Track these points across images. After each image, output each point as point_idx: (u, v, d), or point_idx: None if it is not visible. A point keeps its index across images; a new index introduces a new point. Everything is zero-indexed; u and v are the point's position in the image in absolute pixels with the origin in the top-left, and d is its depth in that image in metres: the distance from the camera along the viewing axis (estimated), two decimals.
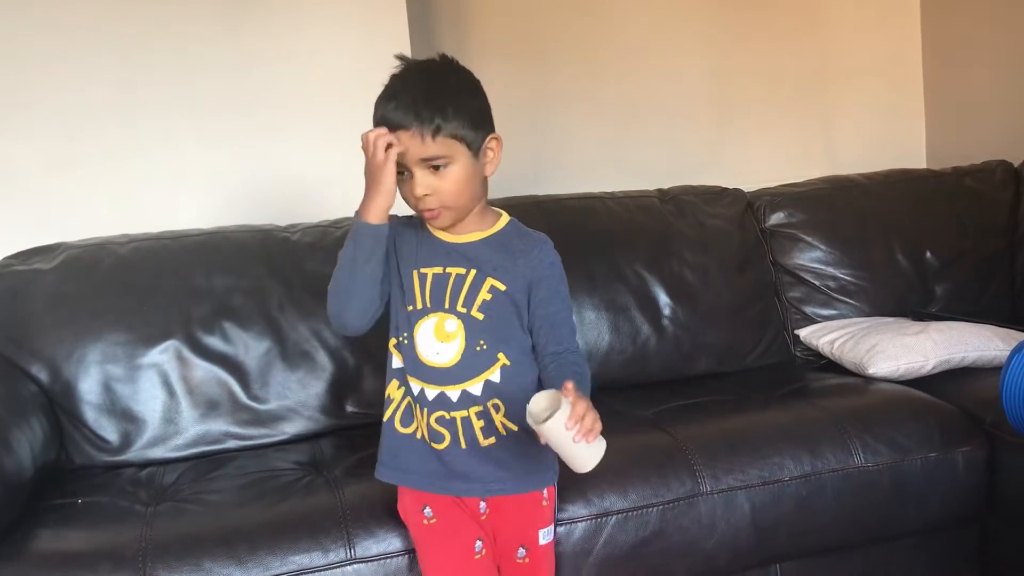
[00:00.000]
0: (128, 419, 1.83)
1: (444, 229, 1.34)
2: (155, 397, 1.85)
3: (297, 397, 1.91)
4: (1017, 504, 1.74)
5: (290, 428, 1.90)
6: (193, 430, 1.86)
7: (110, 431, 1.83)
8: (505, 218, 1.38)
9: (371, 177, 1.25)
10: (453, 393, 1.32)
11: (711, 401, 1.94)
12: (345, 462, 1.71)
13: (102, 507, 1.59)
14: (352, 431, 1.90)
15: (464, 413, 1.32)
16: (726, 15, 2.82)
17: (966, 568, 1.85)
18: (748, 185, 2.46)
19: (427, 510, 1.36)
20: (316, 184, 2.23)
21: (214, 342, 1.89)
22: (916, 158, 2.94)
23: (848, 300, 2.32)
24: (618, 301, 2.13)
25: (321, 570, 1.44)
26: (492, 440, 1.33)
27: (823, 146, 2.93)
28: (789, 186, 2.47)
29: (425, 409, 1.33)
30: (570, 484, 1.58)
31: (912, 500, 1.73)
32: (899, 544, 1.80)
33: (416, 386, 1.33)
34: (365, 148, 1.24)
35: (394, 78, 1.29)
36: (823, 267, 2.34)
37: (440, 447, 1.33)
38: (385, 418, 1.39)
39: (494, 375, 1.32)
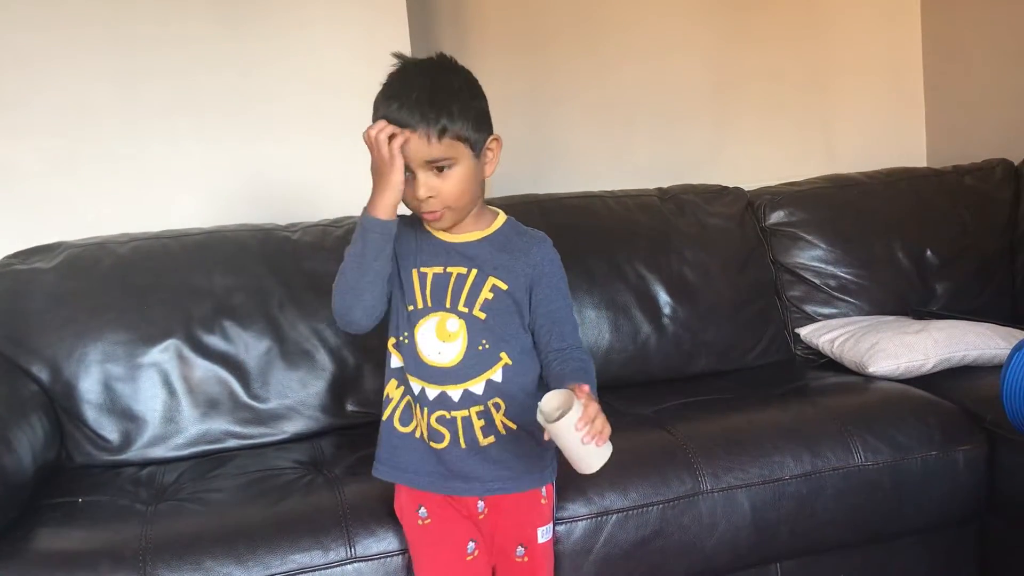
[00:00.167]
0: (128, 418, 1.83)
1: (444, 230, 1.34)
2: (155, 396, 1.85)
3: (297, 396, 1.91)
4: (1017, 503, 1.74)
5: (290, 427, 1.90)
6: (193, 429, 1.86)
7: (110, 430, 1.83)
8: (502, 217, 1.38)
9: (378, 172, 1.25)
10: (455, 393, 1.32)
11: (711, 400, 1.94)
12: (345, 461, 1.71)
13: (102, 506, 1.59)
14: (352, 430, 1.90)
15: (465, 413, 1.32)
16: (727, 13, 2.82)
17: (966, 566, 1.86)
18: (748, 184, 2.46)
19: (422, 510, 1.37)
20: (316, 183, 2.23)
21: (214, 341, 1.89)
22: (916, 156, 2.94)
23: (848, 299, 2.32)
24: (618, 300, 2.14)
25: (321, 569, 1.44)
26: (491, 439, 1.33)
27: (823, 144, 2.93)
28: (789, 185, 2.47)
29: (425, 409, 1.33)
30: (570, 483, 1.58)
31: (912, 499, 1.73)
32: (899, 543, 1.80)
33: (417, 386, 1.33)
34: (369, 144, 1.23)
35: (394, 77, 1.28)
36: (823, 266, 2.34)
37: (440, 447, 1.33)
38: (384, 417, 1.39)
39: (496, 374, 1.32)
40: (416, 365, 1.33)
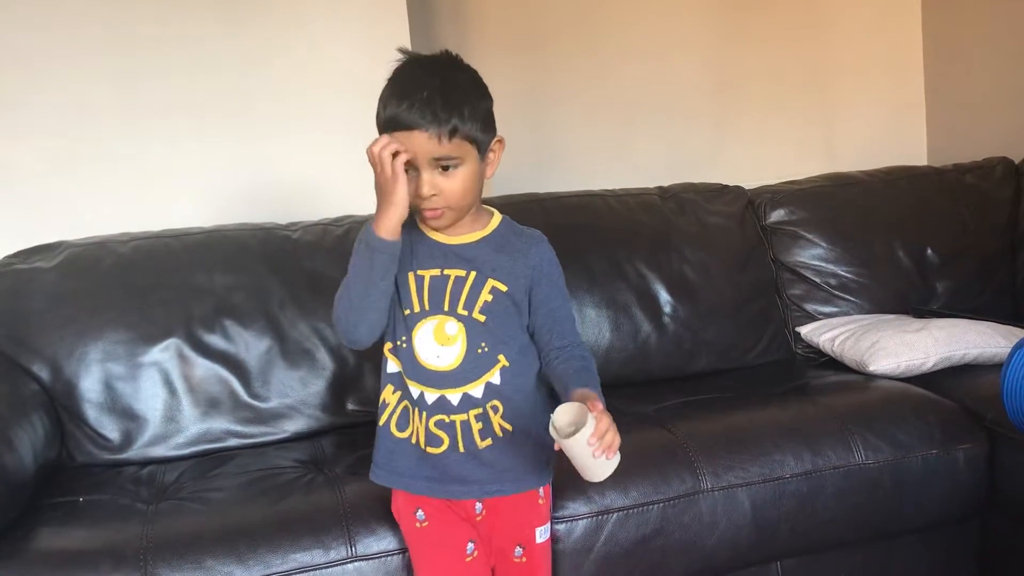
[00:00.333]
0: (129, 417, 1.84)
1: (440, 230, 1.32)
2: (156, 395, 1.85)
3: (298, 395, 1.92)
4: (1018, 501, 1.74)
5: (291, 426, 1.90)
6: (194, 428, 1.86)
7: (111, 429, 1.83)
8: (498, 217, 1.37)
9: (381, 191, 1.22)
10: (454, 396, 1.31)
11: (712, 398, 1.94)
12: (346, 460, 1.71)
13: (103, 505, 1.59)
14: (353, 429, 1.90)
15: (464, 416, 1.31)
16: (728, 11, 2.82)
17: (966, 565, 1.86)
18: (749, 182, 2.46)
19: (419, 513, 1.36)
20: (317, 182, 2.23)
21: (215, 340, 1.90)
22: (917, 155, 2.94)
23: (849, 297, 2.32)
24: (619, 299, 2.14)
25: (322, 568, 1.44)
26: (489, 442, 1.33)
27: (824, 143, 2.93)
28: (790, 183, 2.47)
29: (424, 413, 1.32)
30: (570, 482, 1.57)
31: (913, 497, 1.73)
32: (900, 541, 1.80)
33: (415, 390, 1.32)
34: (372, 162, 1.21)
35: (401, 74, 1.26)
36: (824, 264, 2.34)
37: (437, 451, 1.33)
38: (380, 422, 1.38)
39: (494, 377, 1.32)
40: (414, 369, 1.32)
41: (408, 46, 2.15)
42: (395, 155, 1.20)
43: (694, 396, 1.95)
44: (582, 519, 1.56)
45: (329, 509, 1.50)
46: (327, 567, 1.44)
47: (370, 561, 1.46)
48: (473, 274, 1.31)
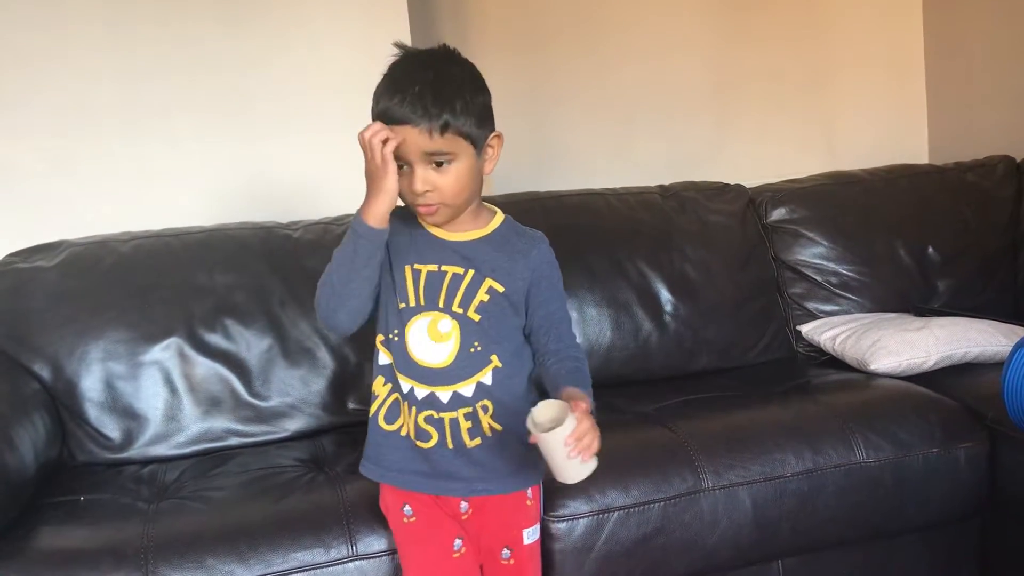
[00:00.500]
0: (130, 416, 1.84)
1: (438, 226, 1.31)
2: (157, 394, 1.85)
3: (299, 394, 1.92)
4: (1018, 500, 1.74)
5: (292, 425, 1.90)
6: (195, 427, 1.86)
7: (112, 428, 1.83)
8: (500, 216, 1.36)
9: (371, 178, 1.21)
10: (444, 394, 1.30)
11: (713, 397, 1.94)
12: (347, 459, 1.71)
13: (104, 504, 1.59)
14: (353, 428, 1.90)
15: (453, 414, 1.30)
16: (728, 10, 2.82)
17: (967, 564, 1.86)
18: (750, 181, 2.46)
19: (407, 508, 1.35)
20: (317, 181, 2.23)
21: (216, 339, 1.90)
22: (918, 153, 2.94)
23: (850, 296, 2.32)
24: (619, 297, 2.13)
25: (323, 567, 1.44)
26: (478, 441, 1.31)
27: (825, 142, 2.92)
28: (791, 182, 2.47)
29: (414, 408, 1.31)
30: None
31: (914, 496, 1.73)
32: (900, 540, 1.80)
33: (406, 384, 1.31)
34: (363, 147, 1.20)
35: (396, 69, 1.24)
36: (825, 263, 2.33)
37: (426, 446, 1.31)
38: (371, 413, 1.37)
39: (486, 377, 1.30)
40: (406, 363, 1.31)
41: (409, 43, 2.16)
42: (385, 142, 1.18)
43: (695, 395, 1.95)
44: (583, 518, 1.56)
45: (330, 508, 1.50)
46: (328, 566, 1.44)
47: (371, 560, 1.46)
48: (471, 273, 1.30)
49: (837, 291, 2.32)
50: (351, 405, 1.94)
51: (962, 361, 2.01)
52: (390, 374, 1.34)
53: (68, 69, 2.09)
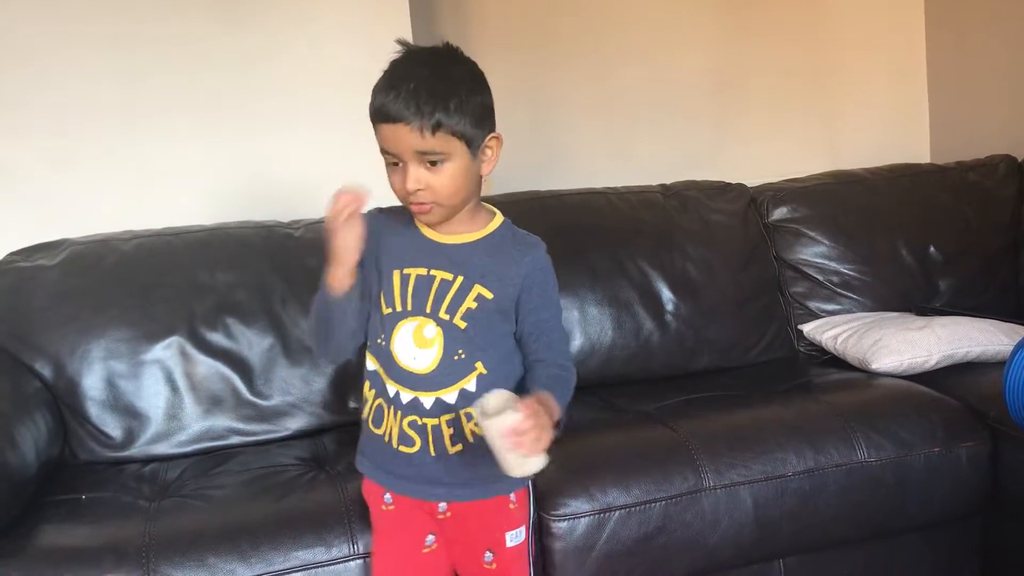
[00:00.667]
0: (131, 415, 1.84)
1: (432, 226, 1.29)
2: (158, 393, 1.85)
3: (300, 393, 1.92)
4: (1020, 499, 1.74)
5: (293, 424, 1.91)
6: (196, 426, 1.86)
7: (113, 427, 1.83)
8: (499, 219, 1.33)
9: (330, 247, 1.23)
10: (427, 400, 1.28)
11: (714, 396, 1.94)
12: (347, 458, 1.70)
13: (105, 503, 1.59)
14: (354, 427, 1.86)
15: (435, 421, 1.29)
16: (730, 9, 2.82)
17: (968, 563, 1.85)
18: (751, 180, 2.46)
19: (387, 496, 1.35)
20: (318, 180, 2.20)
21: (217, 338, 1.90)
22: (920, 153, 2.93)
23: (852, 295, 2.32)
24: (621, 296, 2.13)
25: (324, 565, 1.44)
26: (460, 447, 1.29)
27: (826, 141, 2.92)
28: (792, 181, 2.46)
29: (398, 412, 1.30)
30: (572, 480, 1.58)
31: (915, 495, 1.73)
32: (902, 539, 1.80)
33: (392, 388, 1.30)
34: (330, 212, 1.21)
35: (395, 65, 1.23)
36: (827, 262, 2.33)
37: (409, 451, 1.30)
38: (362, 415, 1.37)
39: (470, 384, 1.28)
40: (391, 368, 1.29)
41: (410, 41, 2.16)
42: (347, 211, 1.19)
43: (696, 394, 1.95)
44: (584, 517, 1.56)
45: (331, 506, 1.50)
46: (329, 564, 1.44)
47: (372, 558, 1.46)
48: (460, 279, 1.27)
49: (839, 290, 2.32)
50: (352, 404, 1.94)
51: (964, 360, 2.01)
52: (376, 379, 1.33)
53: (69, 68, 2.09)
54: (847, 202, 2.40)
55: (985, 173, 2.51)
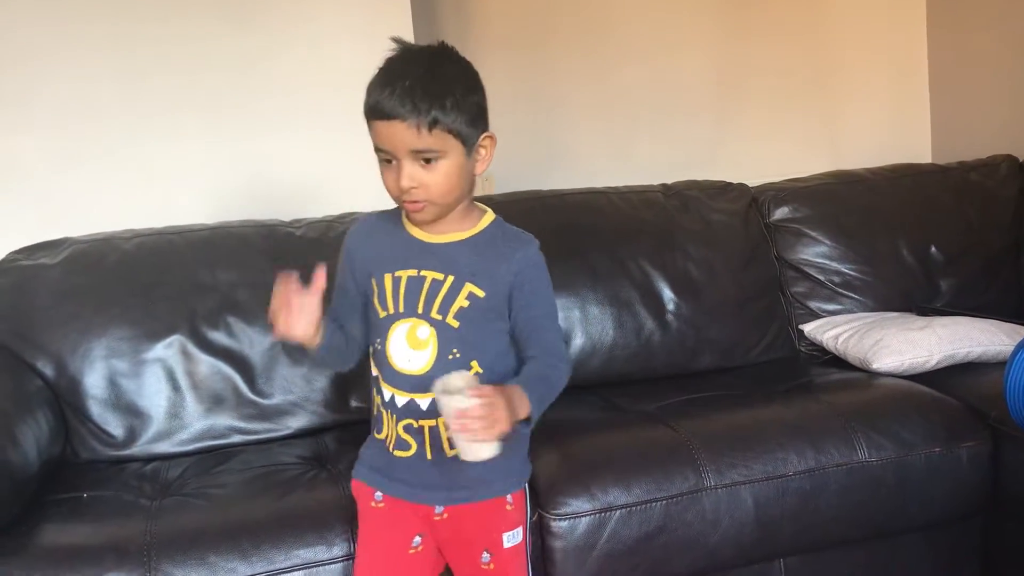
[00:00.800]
0: (133, 414, 1.84)
1: (424, 224, 1.29)
2: (160, 392, 1.86)
3: (301, 392, 1.92)
4: (1021, 499, 1.74)
5: (294, 423, 1.91)
6: (198, 425, 1.86)
7: (115, 426, 1.83)
8: (489, 216, 1.32)
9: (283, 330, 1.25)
10: (423, 401, 1.27)
11: (715, 396, 1.94)
12: (349, 456, 1.69)
13: (107, 501, 1.60)
14: (356, 426, 1.90)
15: (432, 422, 1.28)
16: (731, 8, 2.82)
17: (969, 563, 1.85)
18: (753, 180, 2.46)
19: (377, 494, 1.34)
20: (320, 179, 2.23)
21: (219, 337, 1.90)
22: (921, 153, 2.93)
23: (853, 295, 2.32)
24: (622, 296, 2.13)
25: (325, 564, 1.44)
26: (457, 450, 1.27)
27: (828, 141, 2.92)
28: (794, 181, 2.46)
29: (395, 416, 1.30)
30: (573, 479, 1.58)
31: (916, 495, 1.73)
32: (903, 539, 1.80)
33: (388, 392, 1.29)
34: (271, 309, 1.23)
35: (390, 63, 1.23)
36: (828, 262, 2.33)
37: (406, 455, 1.30)
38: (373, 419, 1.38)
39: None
40: (387, 371, 1.29)
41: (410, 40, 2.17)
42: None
43: (697, 393, 1.95)
44: (585, 516, 1.56)
45: (332, 505, 1.50)
46: (330, 563, 1.45)
47: None
48: (451, 278, 1.27)
49: (840, 290, 2.32)
50: (353, 403, 1.95)
51: (965, 361, 2.01)
52: (376, 384, 1.32)
53: (71, 67, 2.09)
54: (848, 202, 2.40)
55: (987, 173, 2.51)
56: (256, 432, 1.88)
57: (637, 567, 1.61)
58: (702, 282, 2.20)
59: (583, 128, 2.74)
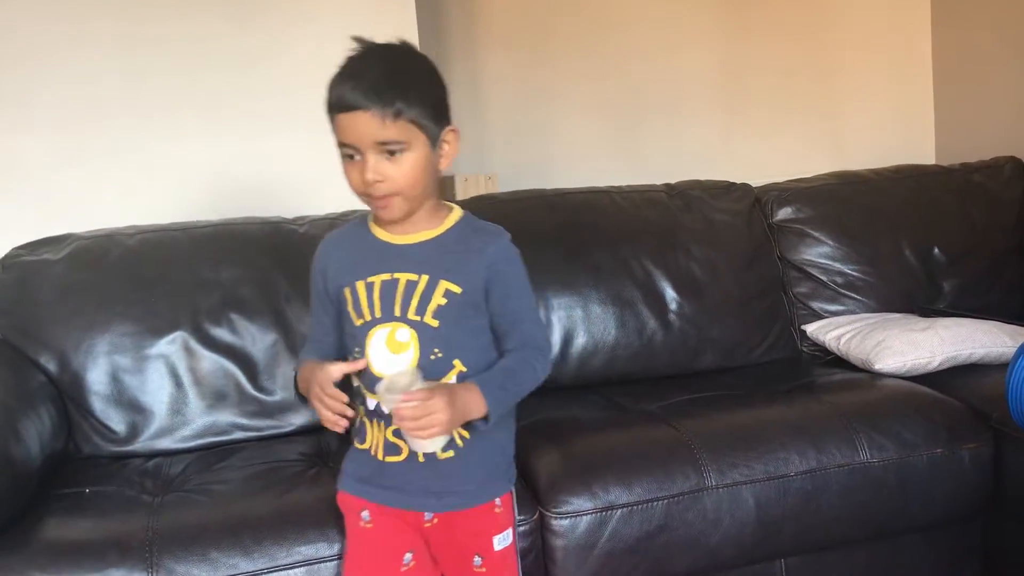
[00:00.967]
0: (135, 410, 1.84)
1: (394, 222, 1.27)
2: (162, 388, 1.86)
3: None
4: (1022, 501, 1.74)
5: (296, 419, 1.91)
6: (200, 421, 1.86)
7: (117, 421, 1.84)
8: (457, 213, 1.31)
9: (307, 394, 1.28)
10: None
11: (717, 396, 1.94)
12: None
13: (109, 497, 1.60)
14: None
15: None
16: (735, 8, 2.82)
17: (970, 564, 1.85)
18: (756, 180, 2.46)
19: (365, 513, 1.32)
20: (323, 177, 2.21)
21: (221, 333, 1.90)
22: (925, 154, 2.93)
23: (855, 296, 2.32)
24: (624, 295, 2.13)
25: (326, 561, 1.44)
26: (450, 453, 1.28)
27: (831, 141, 2.92)
28: (797, 181, 2.46)
29: (382, 423, 1.28)
30: (575, 478, 1.58)
31: (917, 496, 1.73)
32: (904, 539, 1.80)
33: (372, 401, 1.28)
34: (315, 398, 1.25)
35: (351, 60, 1.24)
36: (830, 262, 2.33)
37: (397, 459, 1.28)
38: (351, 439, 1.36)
39: (450, 383, 1.26)
40: (368, 379, 1.27)
41: (416, 42, 2.17)
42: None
43: (699, 393, 1.95)
44: (586, 515, 1.56)
45: (334, 502, 1.49)
46: (331, 560, 1.44)
47: None
48: (425, 277, 1.25)
49: (842, 291, 2.32)
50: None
51: (967, 362, 2.01)
52: (358, 394, 1.31)
53: (72, 66, 2.10)
54: (851, 203, 2.39)
55: (990, 174, 2.51)
56: (258, 429, 1.89)
57: (638, 566, 1.61)
58: (705, 282, 2.20)
59: (586, 127, 2.74)
